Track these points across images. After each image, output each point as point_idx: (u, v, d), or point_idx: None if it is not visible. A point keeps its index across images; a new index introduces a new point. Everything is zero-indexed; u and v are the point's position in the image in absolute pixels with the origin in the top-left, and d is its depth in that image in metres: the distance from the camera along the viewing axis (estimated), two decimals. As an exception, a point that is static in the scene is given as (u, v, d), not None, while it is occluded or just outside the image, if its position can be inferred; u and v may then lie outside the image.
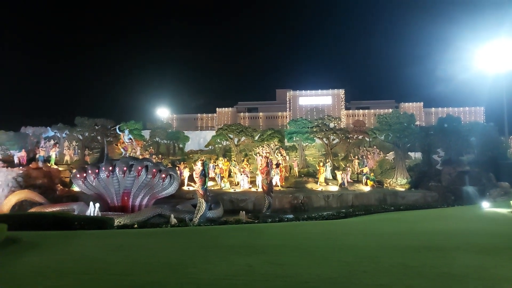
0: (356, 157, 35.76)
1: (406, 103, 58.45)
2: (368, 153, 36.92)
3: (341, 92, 58.94)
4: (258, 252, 9.17)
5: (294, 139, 36.56)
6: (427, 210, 22.84)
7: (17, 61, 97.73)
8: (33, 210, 22.41)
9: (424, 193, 29.60)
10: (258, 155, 35.13)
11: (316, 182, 31.25)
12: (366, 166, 33.55)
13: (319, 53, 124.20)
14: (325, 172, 31.84)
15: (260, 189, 28.25)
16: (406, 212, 21.86)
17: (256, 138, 37.71)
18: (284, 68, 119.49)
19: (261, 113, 61.83)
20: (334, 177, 32.01)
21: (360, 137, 38.80)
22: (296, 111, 58.03)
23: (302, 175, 33.88)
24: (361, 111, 59.69)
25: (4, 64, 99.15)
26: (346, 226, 15.67)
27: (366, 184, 30.99)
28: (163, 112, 61.31)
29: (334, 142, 37.66)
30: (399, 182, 32.27)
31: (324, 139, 36.85)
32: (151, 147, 40.97)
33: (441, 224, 14.90)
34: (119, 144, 34.10)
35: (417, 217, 18.36)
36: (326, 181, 31.35)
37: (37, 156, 33.41)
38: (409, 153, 38.53)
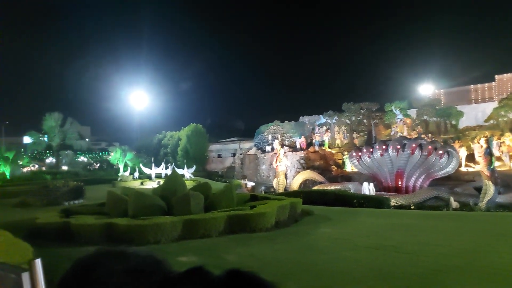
0: None
1: None
2: None
3: None
4: None
5: None
6: None
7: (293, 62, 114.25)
8: (316, 187, 25.52)
9: None
10: None
11: None
12: None
13: None
14: None
15: None
16: None
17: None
18: None
19: None
20: None
21: None
22: None
23: None
24: None
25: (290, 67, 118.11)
26: None
27: None
28: (426, 89, 56.79)
29: None
30: None
31: None
32: (419, 127, 38.80)
33: None
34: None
35: None
36: None
37: (313, 141, 38.23)
38: None
